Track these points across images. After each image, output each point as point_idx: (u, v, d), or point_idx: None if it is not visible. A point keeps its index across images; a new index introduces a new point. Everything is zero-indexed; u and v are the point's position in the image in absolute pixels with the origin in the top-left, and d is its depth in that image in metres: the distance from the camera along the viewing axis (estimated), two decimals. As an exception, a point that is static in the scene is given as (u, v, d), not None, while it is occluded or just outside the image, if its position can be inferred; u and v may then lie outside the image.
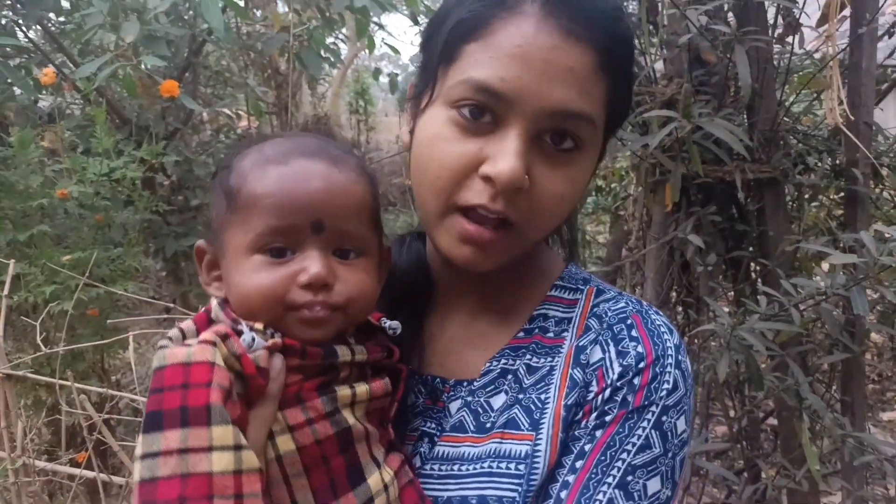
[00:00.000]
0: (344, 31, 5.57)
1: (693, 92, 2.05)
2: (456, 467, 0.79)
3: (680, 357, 0.80)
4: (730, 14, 2.19)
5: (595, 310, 0.85)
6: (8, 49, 3.49)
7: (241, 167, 0.73)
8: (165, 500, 0.58)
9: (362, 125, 8.30)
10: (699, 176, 2.12)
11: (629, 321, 0.82)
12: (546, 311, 0.87)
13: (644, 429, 0.76)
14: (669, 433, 0.77)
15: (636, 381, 0.77)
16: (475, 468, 0.78)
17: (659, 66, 2.26)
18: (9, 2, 3.32)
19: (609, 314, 0.84)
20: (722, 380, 1.93)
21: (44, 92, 3.41)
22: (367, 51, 5.48)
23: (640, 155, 2.25)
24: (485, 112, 0.74)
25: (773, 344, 1.98)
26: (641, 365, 0.78)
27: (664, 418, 0.77)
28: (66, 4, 3.76)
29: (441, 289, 0.91)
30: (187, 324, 0.72)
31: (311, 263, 0.70)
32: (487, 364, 0.85)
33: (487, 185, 0.74)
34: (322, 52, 4.12)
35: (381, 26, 4.86)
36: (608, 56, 0.75)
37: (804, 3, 2.13)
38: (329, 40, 4.61)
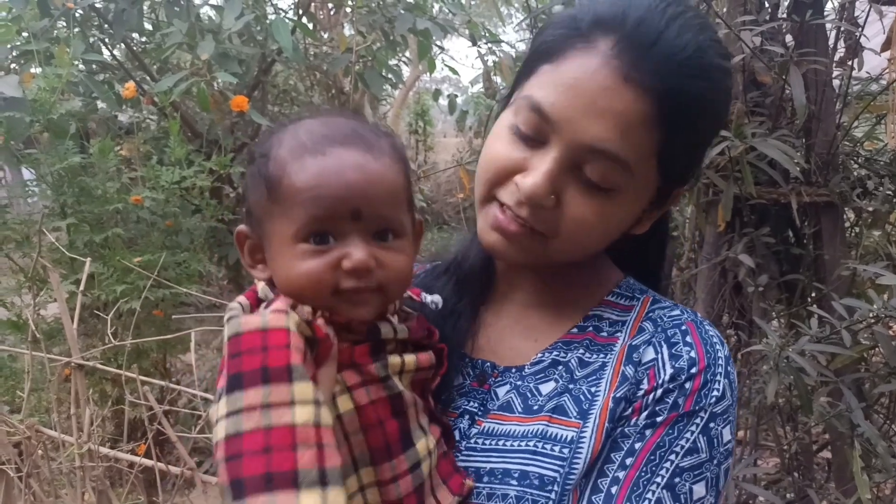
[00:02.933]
0: (407, 53, 5.73)
1: (747, 112, 2.05)
2: (501, 443, 0.83)
3: (729, 368, 0.83)
4: (788, 36, 2.19)
5: (650, 314, 0.88)
6: (94, 66, 3.75)
7: (280, 156, 0.76)
8: (252, 450, 0.62)
9: (421, 145, 8.46)
10: (752, 197, 2.10)
11: (684, 327, 0.84)
12: (601, 313, 0.90)
13: (692, 433, 0.79)
14: (716, 440, 0.79)
15: (688, 385, 0.80)
16: (520, 445, 0.82)
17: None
18: (97, 22, 3.57)
19: (664, 319, 0.86)
20: (770, 401, 1.90)
21: (124, 106, 3.64)
22: (428, 73, 5.61)
23: (693, 174, 2.24)
24: (535, 128, 0.80)
25: (827, 370, 1.94)
26: (693, 370, 0.80)
27: (711, 425, 0.79)
28: (148, 26, 4.02)
29: (500, 281, 0.97)
30: (242, 299, 0.77)
31: (354, 250, 0.73)
32: (539, 354, 0.89)
33: (517, 192, 0.81)
34: (384, 73, 4.27)
35: (442, 49, 4.99)
36: (667, 108, 0.75)
37: (864, 25, 2.11)
38: (392, 62, 4.75)
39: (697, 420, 0.79)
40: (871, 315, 1.70)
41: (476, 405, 0.88)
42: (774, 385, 1.86)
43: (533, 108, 0.79)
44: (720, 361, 0.82)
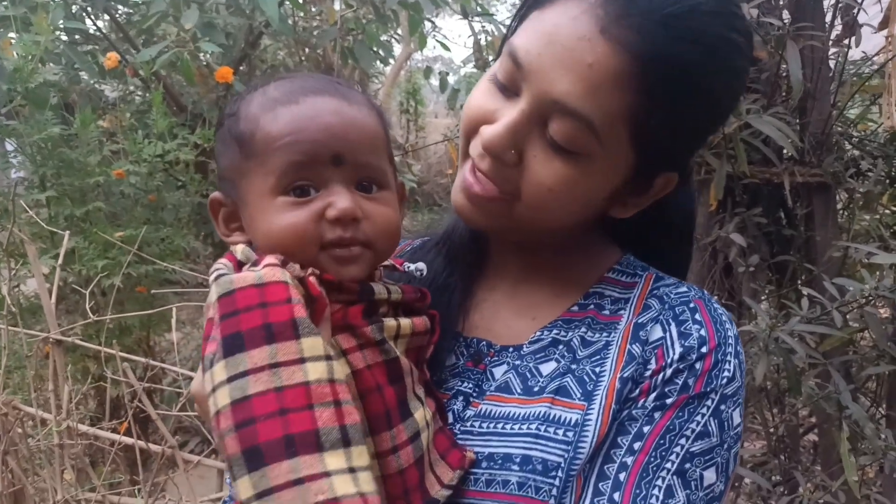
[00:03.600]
0: (399, 31, 5.64)
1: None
2: (500, 426, 0.79)
3: (738, 347, 0.79)
4: (784, 11, 2.14)
5: (655, 291, 0.84)
6: (77, 36, 3.66)
7: (250, 112, 0.72)
8: (265, 414, 0.57)
9: (412, 125, 8.38)
10: (745, 176, 2.07)
11: (692, 305, 0.80)
12: (602, 291, 0.86)
13: (703, 415, 0.75)
14: (726, 423, 0.76)
15: (698, 365, 0.76)
16: (522, 428, 0.78)
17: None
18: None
19: (671, 296, 0.82)
20: (758, 383, 1.88)
21: (107, 77, 3.56)
22: (419, 50, 5.54)
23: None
24: (511, 77, 0.75)
25: (816, 352, 1.92)
26: (704, 349, 0.77)
27: (722, 407, 0.76)
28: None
29: (492, 255, 0.92)
30: (225, 261, 0.72)
31: (338, 198, 0.69)
32: (538, 332, 0.84)
33: (479, 141, 0.76)
34: (374, 49, 4.19)
35: (434, 24, 4.91)
36: (645, 70, 0.68)
37: (862, 2, 2.07)
38: (383, 38, 4.67)
39: (708, 402, 0.76)
40: (863, 295, 1.68)
41: (471, 386, 0.83)
42: (763, 366, 1.84)
43: (510, 54, 0.74)
44: (730, 340, 0.78)
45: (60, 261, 2.33)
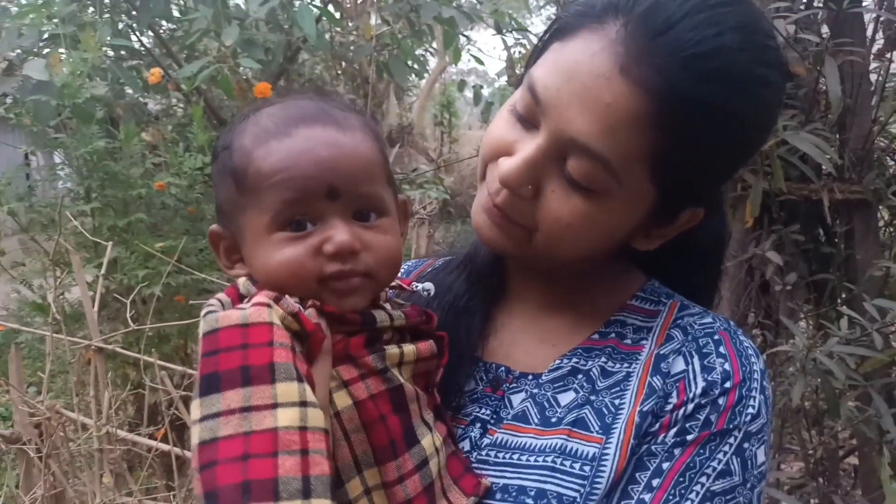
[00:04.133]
0: (433, 45, 5.70)
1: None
2: (516, 456, 0.78)
3: (764, 383, 0.77)
4: (824, 26, 2.11)
5: (679, 321, 0.81)
6: (122, 52, 3.77)
7: (242, 145, 0.72)
8: (228, 458, 0.57)
9: (446, 137, 8.43)
10: (782, 193, 2.04)
11: (716, 337, 0.78)
12: (624, 319, 0.84)
13: (725, 453, 0.73)
14: (749, 462, 0.74)
15: (721, 401, 0.74)
16: (537, 460, 0.76)
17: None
18: (125, 7, 3.59)
19: (695, 327, 0.80)
20: (796, 404, 1.84)
21: (150, 92, 3.66)
22: (453, 64, 5.58)
23: (721, 169, 2.18)
24: (529, 110, 0.74)
25: (856, 373, 1.88)
26: (728, 385, 0.75)
27: (746, 445, 0.74)
28: (176, 13, 4.03)
29: (513, 278, 0.90)
30: (221, 296, 0.72)
31: (335, 232, 0.68)
32: (558, 360, 0.82)
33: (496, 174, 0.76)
34: (409, 63, 4.24)
35: (468, 39, 4.95)
36: (665, 110, 0.67)
37: (905, 16, 2.03)
38: (417, 52, 4.72)
39: (731, 439, 0.73)
40: (904, 317, 1.64)
41: (489, 413, 0.82)
42: (801, 387, 1.81)
43: (529, 87, 0.73)
44: (756, 375, 0.76)
45: (103, 270, 2.40)
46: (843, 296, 2.28)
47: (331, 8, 4.23)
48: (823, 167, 2.08)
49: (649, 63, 0.66)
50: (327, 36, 4.31)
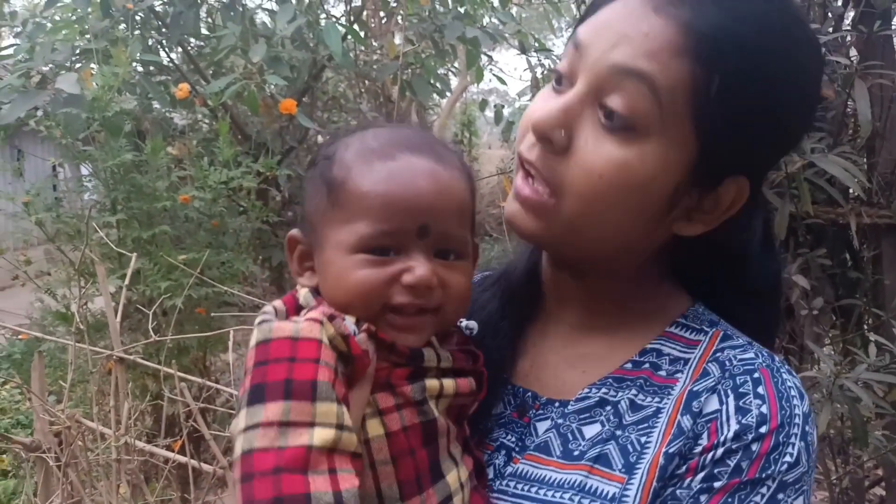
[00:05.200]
0: (455, 64, 5.74)
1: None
2: (535, 490, 0.74)
3: (807, 428, 0.71)
4: (853, 49, 2.10)
5: (718, 355, 0.76)
6: (151, 67, 3.85)
7: (345, 158, 0.71)
8: (261, 471, 0.58)
9: (466, 155, 8.48)
10: (809, 216, 2.02)
11: (756, 375, 0.72)
12: (661, 347, 0.79)
13: None
14: None
15: (754, 447, 0.69)
16: (555, 496, 0.73)
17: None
18: (155, 24, 3.67)
19: (734, 362, 0.74)
20: (821, 432, 1.80)
21: (177, 107, 3.72)
22: (475, 83, 5.61)
23: (746, 191, 2.17)
24: (571, 65, 0.73)
25: (884, 401, 1.84)
26: (763, 430, 0.69)
27: (780, 496, 0.68)
28: (204, 30, 4.11)
29: (549, 300, 0.86)
30: (278, 304, 0.72)
31: (418, 266, 0.68)
32: (587, 389, 0.78)
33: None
34: (432, 81, 4.27)
35: (490, 59, 4.98)
36: (699, 43, 0.66)
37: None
38: (440, 71, 4.76)
39: (763, 489, 0.68)
40: (935, 344, 1.60)
41: (514, 439, 0.79)
42: (827, 415, 1.77)
43: (573, 41, 0.73)
44: (797, 420, 0.70)
45: (127, 281, 2.43)
46: (871, 322, 2.23)
47: (356, 27, 4.28)
48: (851, 190, 2.05)
49: (681, 2, 0.68)
50: (352, 54, 4.36)
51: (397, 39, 5.02)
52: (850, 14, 2.11)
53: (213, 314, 2.99)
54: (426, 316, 0.70)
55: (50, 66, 3.29)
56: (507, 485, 0.76)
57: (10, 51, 3.39)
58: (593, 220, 0.72)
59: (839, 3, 2.12)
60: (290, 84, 3.75)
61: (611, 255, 0.77)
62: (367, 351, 0.66)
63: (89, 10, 3.10)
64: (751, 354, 0.75)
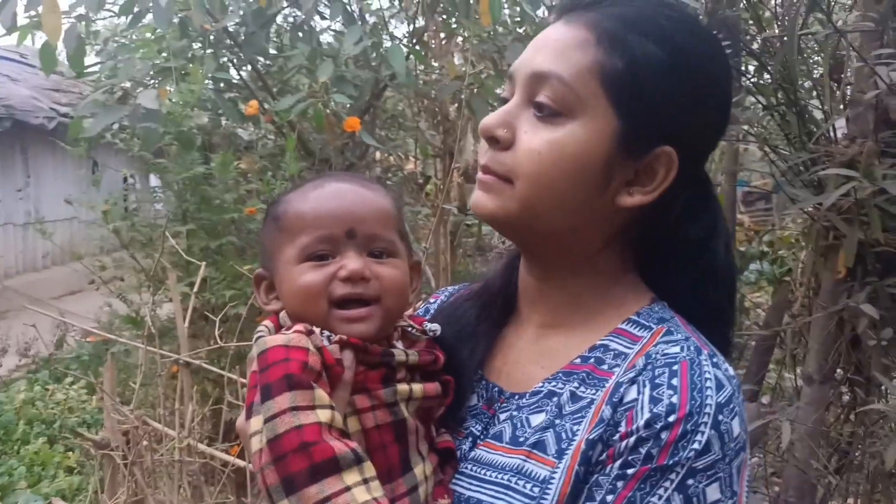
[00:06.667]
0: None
1: (878, 153, 1.93)
2: (483, 471, 0.84)
3: (721, 417, 0.74)
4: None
5: (650, 349, 0.81)
6: (222, 84, 4.01)
7: (287, 197, 0.90)
8: (291, 449, 0.71)
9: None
10: (879, 244, 1.97)
11: (675, 367, 0.77)
12: (608, 343, 0.85)
13: (666, 489, 0.72)
14: (696, 499, 0.72)
15: (664, 435, 0.73)
16: (498, 477, 0.82)
17: (841, 124, 2.15)
18: (228, 43, 3.83)
19: (659, 356, 0.79)
20: (889, 468, 1.75)
21: (246, 123, 3.87)
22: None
23: (813, 216, 2.13)
24: (510, 88, 0.87)
25: (958, 438, 1.77)
26: (672, 418, 0.73)
27: (690, 482, 0.72)
28: (273, 50, 4.27)
29: (522, 304, 0.95)
30: (267, 322, 0.87)
31: (349, 261, 0.83)
32: (541, 383, 0.86)
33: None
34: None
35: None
36: (603, 33, 0.80)
37: None
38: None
39: (672, 475, 0.72)
40: None
41: (480, 428, 0.88)
42: (895, 450, 1.71)
43: (507, 76, 0.88)
44: (707, 409, 0.74)
45: (196, 289, 2.53)
46: (944, 355, 2.15)
47: (418, 47, 4.37)
48: (924, 219, 2.00)
49: (583, 12, 0.84)
50: (413, 74, 4.45)
51: (457, 60, 5.10)
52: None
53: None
54: (370, 307, 0.83)
55: (130, 82, 3.47)
56: (466, 467, 0.86)
57: (97, 68, 3.59)
58: (542, 193, 0.82)
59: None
60: (353, 102, 3.85)
61: (565, 231, 0.85)
62: (340, 360, 0.79)
63: (169, 29, 3.26)
64: (677, 349, 0.80)
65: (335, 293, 0.82)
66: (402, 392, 0.82)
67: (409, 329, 0.89)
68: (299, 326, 0.80)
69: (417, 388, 0.84)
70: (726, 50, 0.90)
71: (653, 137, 0.82)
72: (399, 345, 0.87)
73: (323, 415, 0.73)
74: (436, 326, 0.90)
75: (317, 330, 0.80)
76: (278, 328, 0.85)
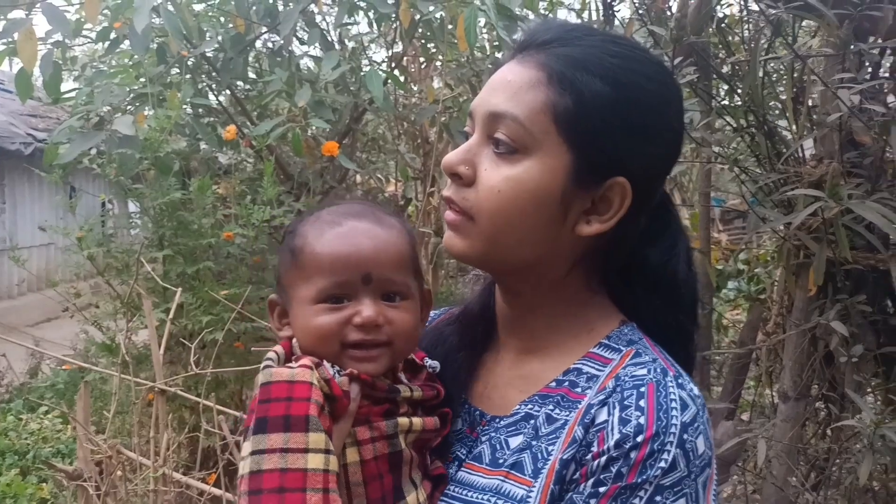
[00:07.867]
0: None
1: (844, 173, 1.97)
2: (465, 492, 0.87)
3: (686, 436, 0.78)
4: (890, 96, 2.10)
5: (620, 371, 0.85)
6: (200, 109, 4.01)
7: (303, 230, 0.89)
8: (269, 488, 0.72)
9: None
10: (847, 262, 2.00)
11: (642, 389, 0.81)
12: (581, 367, 0.89)
13: None
14: None
15: (633, 454, 0.77)
16: (478, 497, 0.85)
17: (809, 145, 2.20)
18: (206, 69, 3.84)
19: (627, 378, 0.83)
20: (863, 483, 1.76)
21: (224, 147, 3.86)
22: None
23: (784, 235, 2.17)
24: (470, 127, 0.90)
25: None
26: (640, 439, 0.77)
27: (658, 498, 0.76)
28: (252, 75, 4.28)
29: (500, 330, 0.98)
30: (278, 348, 0.88)
31: (365, 308, 0.84)
32: (518, 406, 0.90)
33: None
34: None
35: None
36: (552, 73, 0.84)
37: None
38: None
39: (641, 493, 0.76)
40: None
41: (465, 451, 0.91)
42: (868, 465, 1.73)
43: (468, 113, 0.91)
44: (672, 429, 0.78)
45: (171, 315, 2.51)
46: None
47: (396, 72, 4.41)
48: (891, 237, 2.04)
49: (532, 51, 0.87)
50: (392, 98, 4.48)
51: (437, 83, 5.15)
52: (887, 62, 2.12)
53: (254, 348, 3.05)
54: (380, 349, 0.85)
55: (107, 108, 3.46)
56: (450, 489, 0.89)
57: (74, 94, 3.57)
58: (504, 228, 0.86)
59: (876, 52, 2.14)
60: (332, 126, 3.86)
61: (531, 262, 0.88)
62: (348, 392, 0.81)
63: (147, 55, 3.26)
64: (644, 371, 0.84)
65: (349, 338, 0.84)
66: (403, 425, 0.84)
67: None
68: (306, 361, 0.81)
69: (417, 421, 0.86)
70: (676, 80, 0.94)
71: (605, 169, 0.85)
72: (403, 377, 0.90)
73: (313, 461, 0.74)
74: (436, 364, 0.93)
75: (326, 364, 0.83)
76: (289, 355, 0.87)
